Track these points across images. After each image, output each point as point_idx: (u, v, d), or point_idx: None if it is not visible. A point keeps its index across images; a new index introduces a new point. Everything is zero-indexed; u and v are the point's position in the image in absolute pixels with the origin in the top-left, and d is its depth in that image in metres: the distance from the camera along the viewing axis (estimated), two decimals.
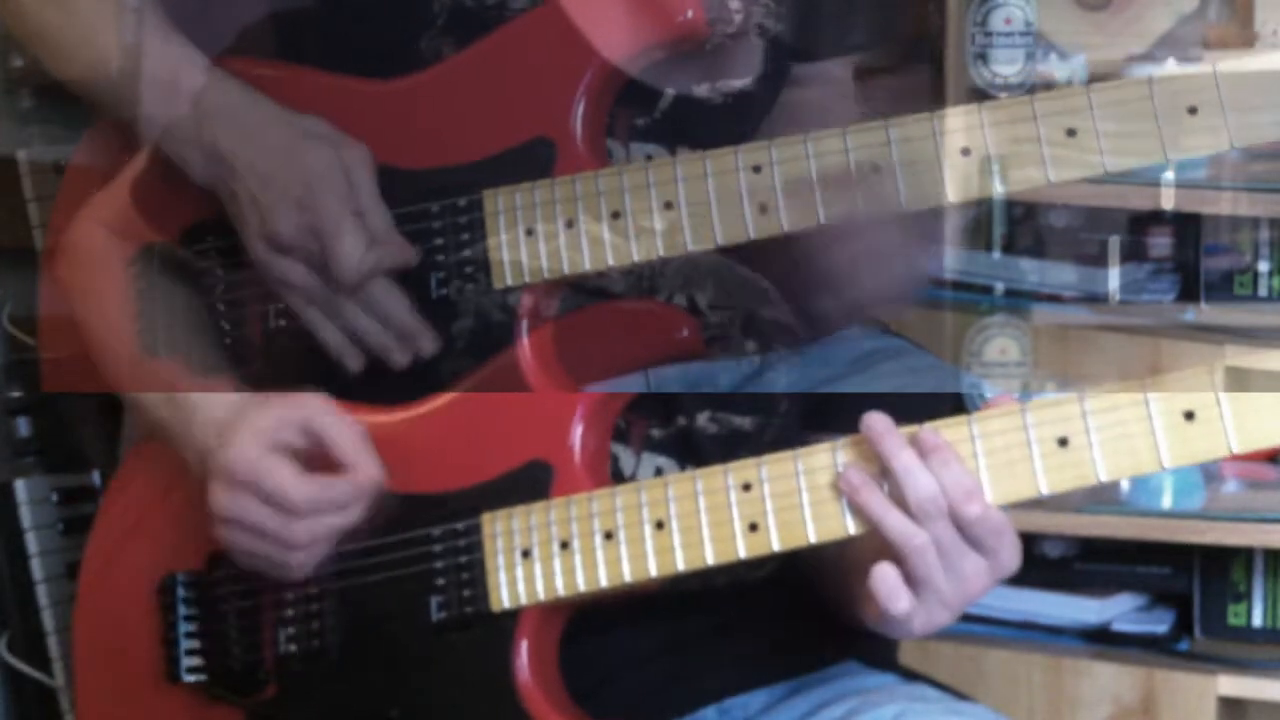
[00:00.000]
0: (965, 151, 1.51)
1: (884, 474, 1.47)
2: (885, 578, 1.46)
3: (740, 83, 1.68)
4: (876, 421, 1.48)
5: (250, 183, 1.61)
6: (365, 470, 1.58)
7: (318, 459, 1.58)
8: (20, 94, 2.49)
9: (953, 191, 1.52)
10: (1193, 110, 1.47)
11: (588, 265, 1.58)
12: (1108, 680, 2.50)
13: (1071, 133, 1.49)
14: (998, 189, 1.51)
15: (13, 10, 1.73)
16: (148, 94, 1.65)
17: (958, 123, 1.51)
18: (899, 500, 1.46)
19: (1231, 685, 2.47)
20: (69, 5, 1.69)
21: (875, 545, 1.49)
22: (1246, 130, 1.47)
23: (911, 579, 1.46)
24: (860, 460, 1.48)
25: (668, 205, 1.56)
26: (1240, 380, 1.42)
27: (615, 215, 1.57)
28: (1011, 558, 1.48)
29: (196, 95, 1.64)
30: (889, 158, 1.52)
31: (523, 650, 1.55)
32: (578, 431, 1.56)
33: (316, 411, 1.59)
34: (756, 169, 1.55)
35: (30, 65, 2.45)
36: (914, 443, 1.46)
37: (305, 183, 1.59)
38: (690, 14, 1.58)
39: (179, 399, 1.65)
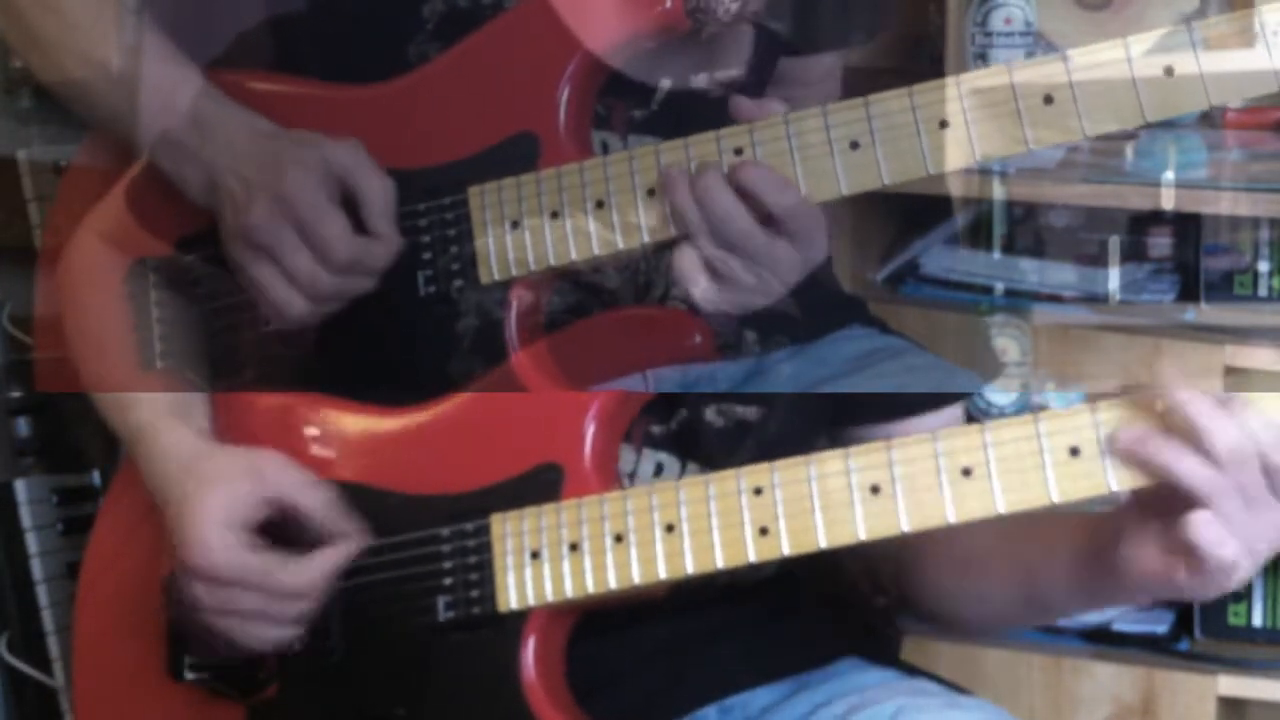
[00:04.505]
0: (944, 124, 1.52)
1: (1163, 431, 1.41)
2: (1206, 524, 1.40)
3: (736, 72, 1.69)
4: (1180, 386, 1.43)
5: (235, 188, 1.61)
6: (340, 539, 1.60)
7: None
8: (20, 94, 2.49)
9: (933, 163, 1.52)
10: (1169, 71, 1.47)
11: (574, 256, 1.59)
12: (1108, 680, 2.49)
13: (1049, 99, 1.49)
14: (978, 158, 1.52)
15: (8, 16, 1.73)
16: (143, 111, 1.65)
17: (936, 96, 1.52)
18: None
19: (1231, 685, 2.47)
20: (64, 17, 1.69)
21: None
22: (1225, 89, 1.48)
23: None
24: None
25: (650, 192, 1.57)
26: (1240, 380, 1.42)
27: (599, 205, 1.58)
28: None
29: (190, 113, 1.64)
30: (868, 134, 1.53)
31: (529, 651, 1.56)
32: (589, 434, 1.56)
33: (277, 482, 1.61)
34: (738, 151, 1.55)
35: None
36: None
37: (283, 176, 1.59)
38: (669, 3, 1.58)
39: (146, 436, 1.67)
